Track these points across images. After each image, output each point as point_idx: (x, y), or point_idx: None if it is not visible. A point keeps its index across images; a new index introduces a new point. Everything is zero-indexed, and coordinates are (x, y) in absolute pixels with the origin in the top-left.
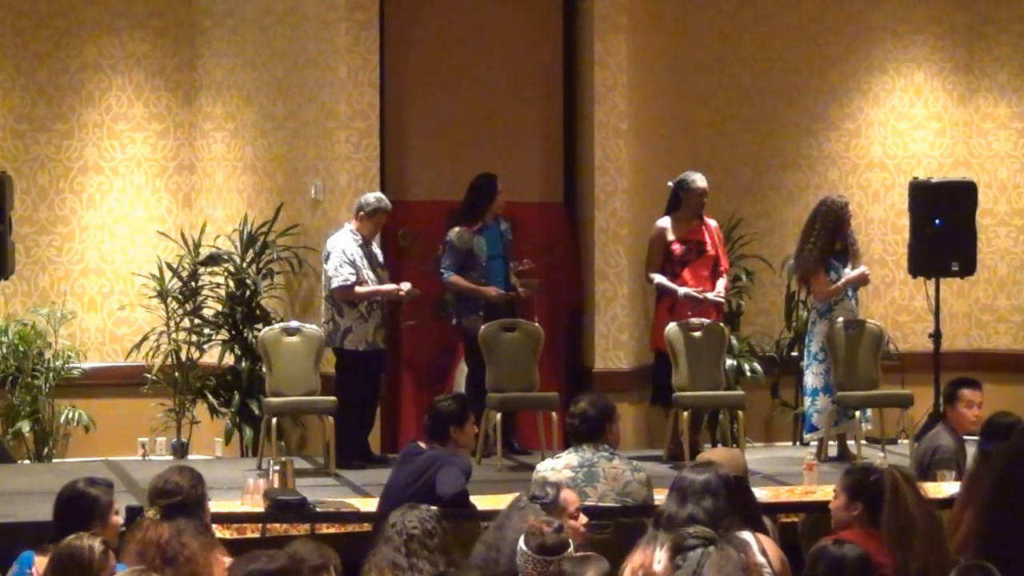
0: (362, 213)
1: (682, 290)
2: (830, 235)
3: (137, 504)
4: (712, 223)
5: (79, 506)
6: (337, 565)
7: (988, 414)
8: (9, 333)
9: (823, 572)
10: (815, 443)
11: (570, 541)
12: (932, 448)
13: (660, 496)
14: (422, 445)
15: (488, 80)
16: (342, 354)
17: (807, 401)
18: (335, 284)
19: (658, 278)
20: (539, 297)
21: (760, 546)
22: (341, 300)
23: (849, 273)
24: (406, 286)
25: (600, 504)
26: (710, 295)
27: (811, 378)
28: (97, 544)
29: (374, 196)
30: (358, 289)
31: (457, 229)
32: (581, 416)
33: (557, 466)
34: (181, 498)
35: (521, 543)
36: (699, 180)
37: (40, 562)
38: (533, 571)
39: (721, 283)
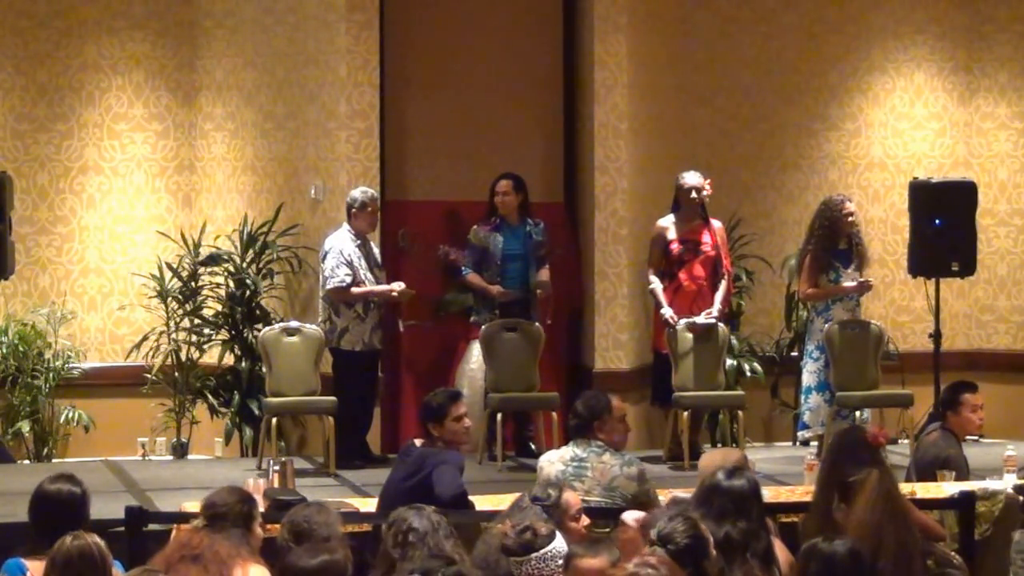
0: (353, 210)
1: (666, 313)
2: (828, 234)
3: (136, 504)
4: (716, 224)
5: (69, 506)
6: None
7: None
8: (9, 333)
9: (816, 570)
10: (815, 443)
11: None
12: (941, 459)
13: (662, 497)
14: (417, 443)
15: (488, 80)
16: (338, 354)
17: (801, 399)
18: (331, 285)
19: (654, 285)
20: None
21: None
22: (337, 300)
23: (851, 275)
24: (399, 286)
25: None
26: (699, 320)
27: (805, 376)
28: (101, 541)
29: (359, 191)
30: (354, 290)
31: (474, 227)
32: (573, 413)
33: (553, 458)
34: (226, 512)
35: None
36: (687, 177)
37: (35, 567)
38: (517, 572)
39: (719, 297)
